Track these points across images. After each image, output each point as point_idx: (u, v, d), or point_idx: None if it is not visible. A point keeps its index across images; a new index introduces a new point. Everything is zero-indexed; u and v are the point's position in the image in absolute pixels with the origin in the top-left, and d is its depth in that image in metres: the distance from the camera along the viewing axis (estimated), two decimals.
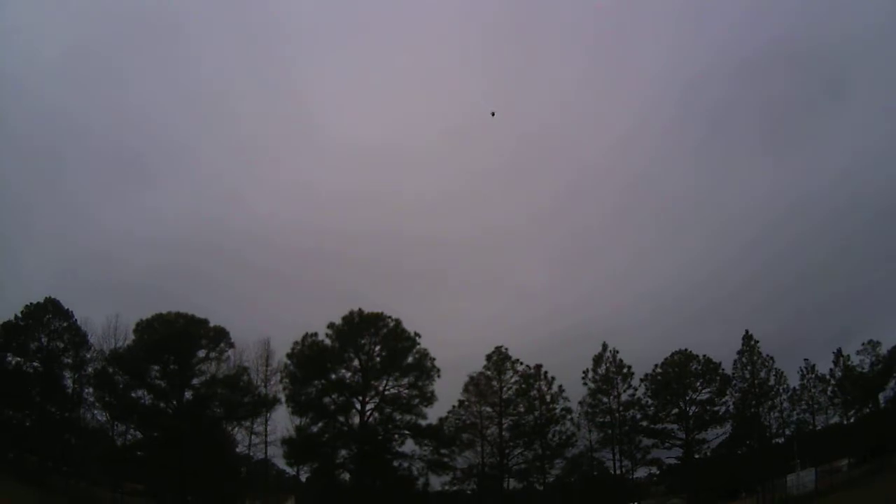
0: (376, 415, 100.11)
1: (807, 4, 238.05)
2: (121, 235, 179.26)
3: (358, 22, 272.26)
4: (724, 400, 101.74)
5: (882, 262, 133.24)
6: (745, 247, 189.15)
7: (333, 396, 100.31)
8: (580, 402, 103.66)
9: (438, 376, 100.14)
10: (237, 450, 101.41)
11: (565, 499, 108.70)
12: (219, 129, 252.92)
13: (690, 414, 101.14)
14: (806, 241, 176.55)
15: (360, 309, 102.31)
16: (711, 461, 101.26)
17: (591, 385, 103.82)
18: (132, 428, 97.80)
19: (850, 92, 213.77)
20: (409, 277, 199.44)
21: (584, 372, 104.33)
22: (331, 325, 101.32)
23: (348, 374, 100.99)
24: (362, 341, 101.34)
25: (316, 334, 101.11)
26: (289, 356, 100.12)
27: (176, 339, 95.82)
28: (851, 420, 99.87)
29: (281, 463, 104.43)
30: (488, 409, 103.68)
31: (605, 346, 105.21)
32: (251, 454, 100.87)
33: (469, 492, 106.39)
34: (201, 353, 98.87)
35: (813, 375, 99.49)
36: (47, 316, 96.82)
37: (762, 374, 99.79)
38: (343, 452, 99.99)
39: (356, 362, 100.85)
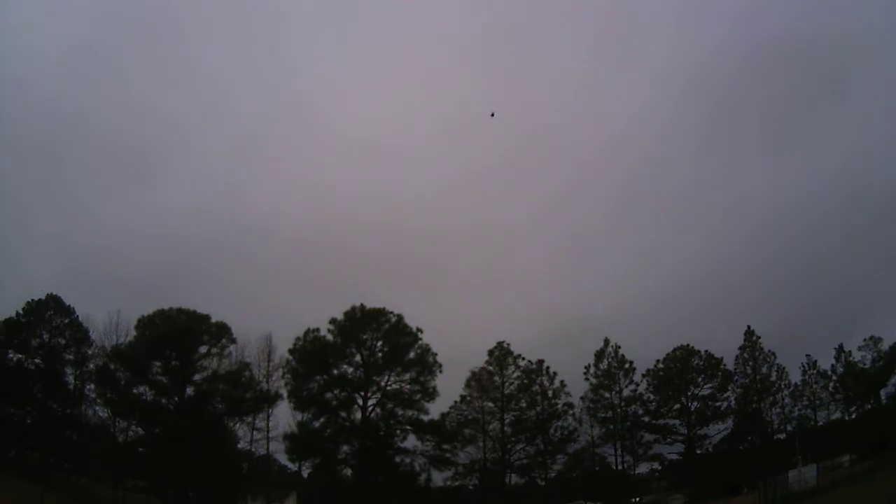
0: (378, 410, 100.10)
1: (807, 2, 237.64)
2: (122, 232, 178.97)
3: (358, 19, 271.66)
4: (725, 395, 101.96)
5: (883, 259, 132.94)
6: (747, 242, 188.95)
7: (335, 392, 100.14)
8: (582, 398, 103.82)
9: (440, 372, 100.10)
10: (239, 446, 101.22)
11: (567, 494, 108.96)
12: (219, 126, 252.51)
13: (692, 409, 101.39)
14: (807, 236, 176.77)
15: (361, 304, 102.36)
16: (713, 457, 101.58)
17: (593, 380, 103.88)
18: (134, 424, 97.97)
19: (850, 90, 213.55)
20: (410, 273, 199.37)
21: (585, 367, 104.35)
22: (332, 321, 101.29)
23: (350, 370, 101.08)
24: (364, 337, 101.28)
25: (318, 330, 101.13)
26: (290, 352, 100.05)
27: (177, 335, 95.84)
28: (853, 416, 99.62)
29: (283, 459, 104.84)
30: (490, 404, 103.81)
31: (606, 342, 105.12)
32: (253, 450, 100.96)
33: (471, 487, 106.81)
34: (203, 349, 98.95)
35: (814, 371, 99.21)
36: (49, 312, 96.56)
37: (764, 370, 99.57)
38: (345, 448, 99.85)
39: (358, 358, 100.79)
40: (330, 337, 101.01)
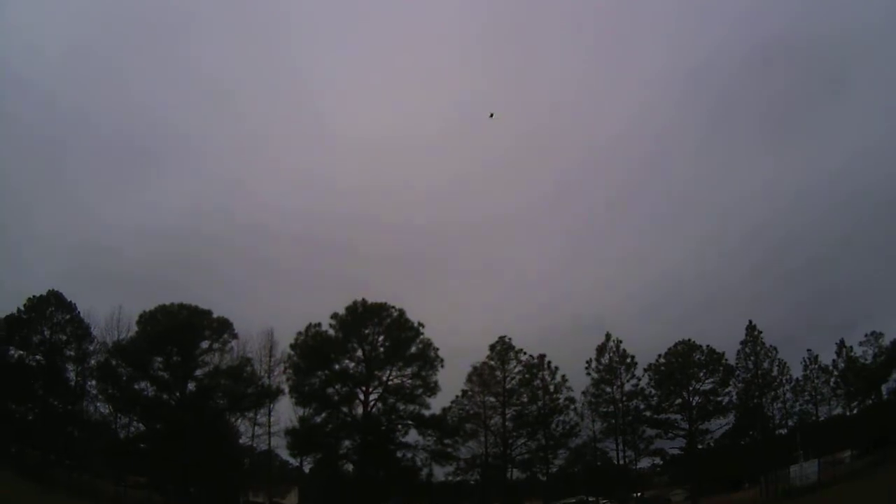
0: (380, 405, 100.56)
1: (807, 2, 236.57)
2: (123, 229, 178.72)
3: (360, 17, 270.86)
4: (727, 390, 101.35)
5: (884, 254, 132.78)
6: (748, 238, 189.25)
7: (337, 387, 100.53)
8: (583, 392, 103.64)
9: (442, 366, 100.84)
10: (240, 441, 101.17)
11: (568, 489, 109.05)
12: (221, 122, 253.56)
13: (693, 404, 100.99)
14: (809, 232, 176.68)
15: (363, 299, 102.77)
16: (714, 452, 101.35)
17: (595, 375, 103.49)
18: (135, 420, 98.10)
19: (850, 88, 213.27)
20: (412, 268, 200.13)
21: (587, 362, 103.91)
22: (334, 316, 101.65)
23: (352, 365, 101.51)
24: (366, 331, 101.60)
25: (319, 325, 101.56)
26: (292, 347, 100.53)
27: (179, 330, 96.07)
28: (854, 411, 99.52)
29: (284, 454, 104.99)
30: (492, 399, 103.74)
31: (608, 336, 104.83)
32: (254, 445, 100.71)
33: (472, 482, 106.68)
34: (204, 345, 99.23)
35: (816, 366, 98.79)
36: (50, 308, 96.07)
37: (765, 365, 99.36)
38: (346, 443, 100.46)
39: (359, 352, 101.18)
40: (331, 332, 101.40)
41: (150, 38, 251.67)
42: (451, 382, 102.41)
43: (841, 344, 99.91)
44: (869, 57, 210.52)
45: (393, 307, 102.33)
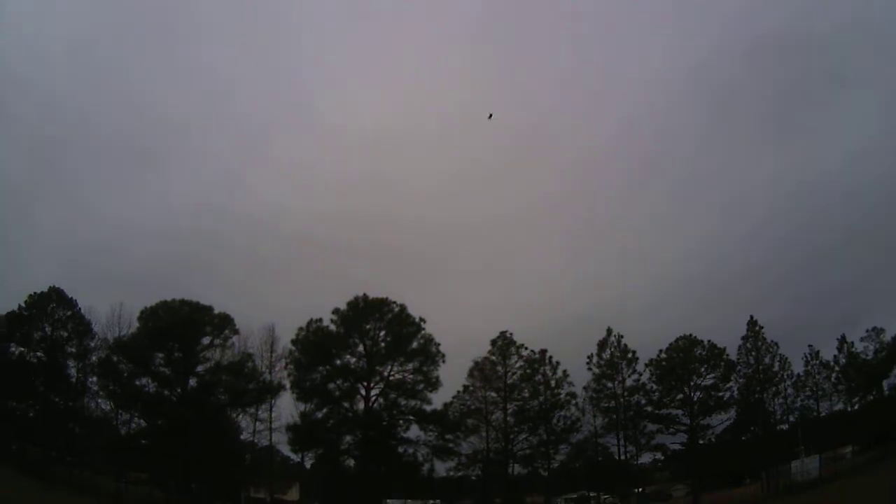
0: (381, 400, 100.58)
1: None
2: (124, 226, 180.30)
3: (360, 15, 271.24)
4: (728, 386, 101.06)
5: (885, 250, 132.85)
6: (749, 233, 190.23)
7: (338, 382, 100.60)
8: (585, 388, 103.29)
9: (443, 361, 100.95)
10: (241, 437, 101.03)
11: (570, 484, 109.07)
12: (221, 122, 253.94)
13: (695, 399, 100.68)
14: (810, 227, 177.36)
15: (364, 294, 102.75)
16: (716, 447, 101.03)
17: (596, 370, 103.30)
18: (136, 416, 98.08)
19: (853, 81, 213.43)
20: (413, 263, 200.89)
21: (588, 357, 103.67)
22: (335, 311, 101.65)
23: (353, 360, 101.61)
24: (367, 327, 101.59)
25: (321, 320, 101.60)
26: (293, 342, 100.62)
27: (180, 326, 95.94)
28: (855, 407, 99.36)
29: (286, 449, 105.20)
30: (493, 394, 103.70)
31: (609, 331, 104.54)
32: (256, 441, 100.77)
33: (474, 477, 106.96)
34: (206, 341, 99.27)
35: (817, 362, 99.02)
36: (51, 305, 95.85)
37: (767, 360, 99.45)
38: (348, 438, 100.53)
39: (361, 348, 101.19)
40: (333, 327, 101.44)
41: (150, 37, 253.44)
42: (452, 378, 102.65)
43: (842, 339, 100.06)
44: (868, 54, 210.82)
45: (394, 302, 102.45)
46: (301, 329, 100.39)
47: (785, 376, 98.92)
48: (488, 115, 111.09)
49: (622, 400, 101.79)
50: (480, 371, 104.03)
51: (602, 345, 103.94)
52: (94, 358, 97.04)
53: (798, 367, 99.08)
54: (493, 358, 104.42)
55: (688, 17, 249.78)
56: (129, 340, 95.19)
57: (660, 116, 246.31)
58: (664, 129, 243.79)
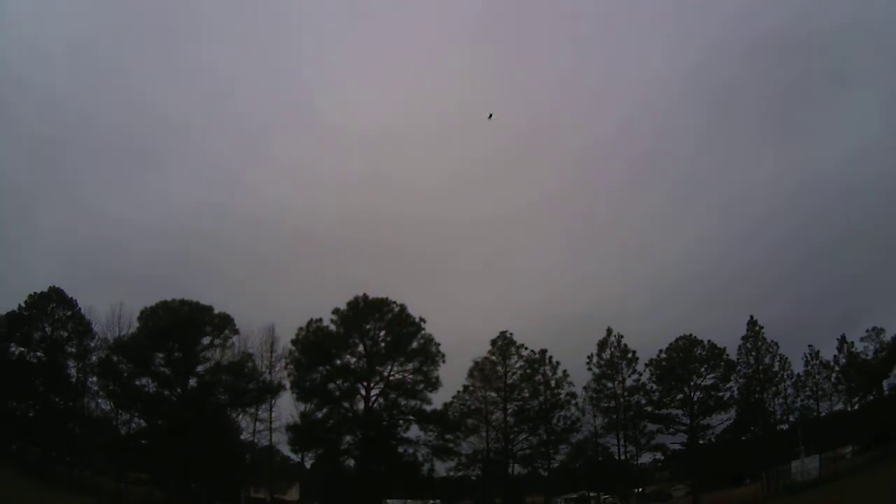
0: (381, 400, 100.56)
1: None
2: (124, 225, 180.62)
3: (360, 14, 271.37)
4: (728, 386, 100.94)
5: (885, 250, 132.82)
6: (749, 233, 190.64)
7: (338, 382, 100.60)
8: (585, 388, 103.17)
9: (443, 361, 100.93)
10: (241, 437, 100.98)
11: (570, 484, 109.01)
12: (221, 121, 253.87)
13: (695, 399, 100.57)
14: (810, 226, 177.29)
15: (364, 294, 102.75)
16: (716, 447, 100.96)
17: (596, 370, 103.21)
18: (136, 416, 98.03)
19: (852, 79, 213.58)
20: (413, 263, 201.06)
21: (588, 357, 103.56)
22: (335, 311, 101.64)
23: (353, 360, 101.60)
24: (367, 326, 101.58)
25: (320, 320, 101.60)
26: (293, 342, 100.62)
27: (180, 326, 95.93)
28: (855, 407, 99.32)
29: (286, 449, 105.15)
30: (493, 394, 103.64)
31: (609, 331, 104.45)
32: (256, 441, 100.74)
33: (474, 477, 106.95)
34: (206, 340, 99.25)
35: (817, 362, 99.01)
36: (51, 305, 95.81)
37: (767, 360, 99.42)
38: (348, 438, 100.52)
39: (361, 348, 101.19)
40: (333, 327, 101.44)
41: (150, 37, 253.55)
42: (452, 378, 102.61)
43: (842, 339, 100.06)
44: (868, 53, 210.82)
45: (394, 302, 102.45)
46: (301, 329, 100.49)
47: (785, 376, 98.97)
48: (488, 115, 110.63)
49: (622, 400, 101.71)
50: (480, 371, 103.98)
51: (602, 345, 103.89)
52: (94, 358, 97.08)
53: (798, 367, 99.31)
54: (493, 358, 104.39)
55: (688, 16, 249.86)
56: (129, 340, 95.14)
57: (660, 116, 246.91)
58: (664, 129, 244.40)
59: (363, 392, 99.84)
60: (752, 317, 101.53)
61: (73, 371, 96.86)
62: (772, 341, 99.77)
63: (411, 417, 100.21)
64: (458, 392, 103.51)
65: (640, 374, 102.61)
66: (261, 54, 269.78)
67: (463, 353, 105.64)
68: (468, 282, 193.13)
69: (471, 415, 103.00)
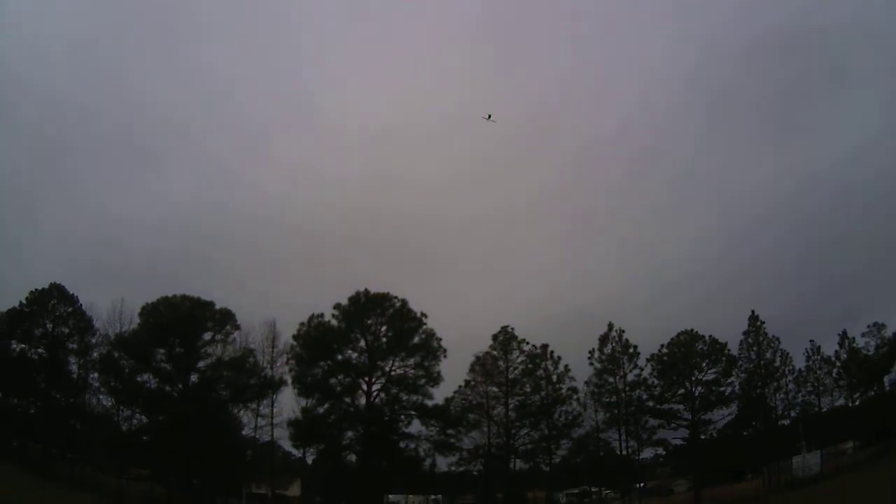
0: (382, 395, 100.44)
1: None
2: (125, 222, 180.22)
3: (360, 12, 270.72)
4: (729, 381, 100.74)
5: (886, 245, 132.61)
6: (751, 228, 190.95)
7: (339, 377, 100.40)
8: (586, 382, 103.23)
9: (445, 356, 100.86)
10: (243, 432, 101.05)
11: (571, 479, 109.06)
12: (221, 117, 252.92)
13: (696, 394, 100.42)
14: (812, 222, 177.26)
15: (366, 289, 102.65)
16: (717, 442, 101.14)
17: (598, 365, 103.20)
18: (137, 412, 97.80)
19: (852, 78, 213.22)
20: (414, 259, 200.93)
21: (590, 352, 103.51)
22: (337, 306, 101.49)
23: (354, 355, 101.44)
24: (368, 322, 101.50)
25: (322, 315, 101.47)
26: (295, 337, 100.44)
27: (182, 321, 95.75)
28: (856, 403, 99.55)
29: (287, 445, 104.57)
30: (494, 389, 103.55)
31: (610, 326, 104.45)
32: (257, 436, 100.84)
33: (475, 472, 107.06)
34: (207, 336, 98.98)
35: (818, 357, 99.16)
36: (52, 301, 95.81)
37: (768, 355, 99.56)
38: (349, 434, 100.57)
39: (362, 343, 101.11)
40: (334, 322, 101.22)
41: (150, 35, 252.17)
42: (453, 373, 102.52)
43: (843, 335, 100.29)
44: (869, 50, 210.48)
45: (395, 298, 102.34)
46: (302, 324, 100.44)
47: (786, 371, 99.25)
48: (487, 115, 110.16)
49: (623, 395, 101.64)
50: (482, 366, 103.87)
51: (603, 340, 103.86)
52: (95, 354, 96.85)
53: (799, 363, 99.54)
54: (495, 353, 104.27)
55: (688, 15, 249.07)
56: (130, 336, 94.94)
57: (659, 113, 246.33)
58: (664, 126, 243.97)
59: (365, 387, 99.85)
60: (753, 312, 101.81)
61: (74, 367, 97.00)
62: (773, 336, 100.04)
63: (413, 412, 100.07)
64: (460, 387, 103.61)
65: (642, 369, 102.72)
66: (261, 53, 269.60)
67: (464, 348, 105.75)
68: (469, 278, 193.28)
69: (472, 410, 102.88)
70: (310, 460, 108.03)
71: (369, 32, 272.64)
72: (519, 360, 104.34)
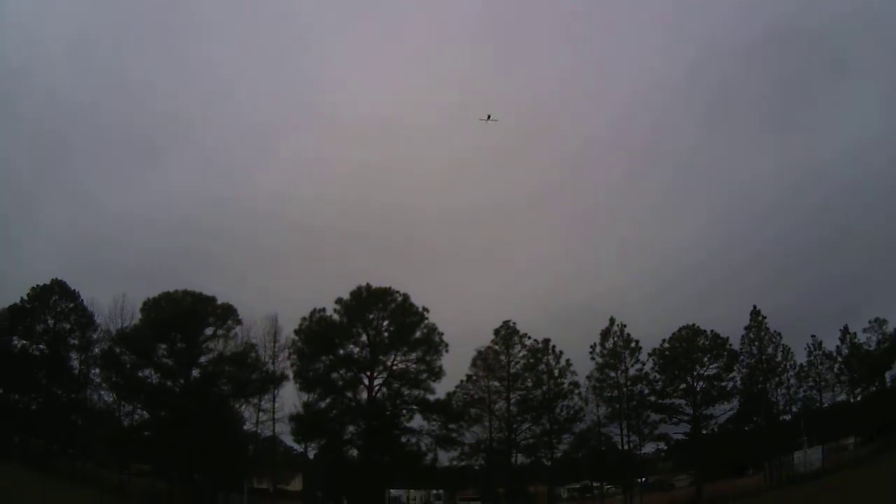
0: (384, 390, 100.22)
1: None
2: (127, 218, 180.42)
3: (361, 10, 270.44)
4: (731, 375, 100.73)
5: (888, 241, 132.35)
6: (753, 222, 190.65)
7: (341, 372, 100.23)
8: (588, 377, 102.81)
9: (446, 351, 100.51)
10: (244, 427, 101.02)
11: (573, 474, 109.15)
12: (223, 111, 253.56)
13: (698, 389, 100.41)
14: (814, 217, 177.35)
15: (367, 284, 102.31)
16: (718, 437, 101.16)
17: (599, 359, 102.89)
18: (139, 408, 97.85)
19: (854, 71, 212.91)
20: (416, 253, 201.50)
21: (591, 346, 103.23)
22: (339, 301, 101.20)
23: (356, 350, 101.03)
24: (370, 316, 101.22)
25: (324, 310, 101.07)
26: (296, 332, 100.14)
27: (183, 317, 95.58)
28: (858, 398, 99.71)
29: (289, 440, 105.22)
30: (496, 383, 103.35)
31: (612, 321, 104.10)
32: (259, 431, 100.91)
33: (477, 467, 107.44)
34: (209, 331, 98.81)
35: (820, 352, 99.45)
36: (54, 297, 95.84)
37: (769, 351, 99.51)
38: (351, 428, 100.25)
39: (364, 337, 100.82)
40: (336, 317, 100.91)
41: (151, 31, 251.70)
42: (455, 367, 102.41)
43: (845, 330, 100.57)
44: (868, 45, 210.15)
45: (397, 292, 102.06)
46: (304, 319, 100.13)
47: (788, 367, 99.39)
48: (487, 116, 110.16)
49: (625, 389, 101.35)
50: (483, 360, 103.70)
51: (605, 334, 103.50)
52: (96, 350, 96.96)
53: (801, 358, 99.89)
54: (497, 347, 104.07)
55: (688, 10, 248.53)
56: (131, 332, 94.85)
57: (660, 108, 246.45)
58: (664, 122, 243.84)
59: (366, 382, 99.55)
60: (755, 307, 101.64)
61: (75, 363, 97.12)
62: (775, 332, 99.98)
63: (414, 407, 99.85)
64: (462, 381, 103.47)
65: (643, 364, 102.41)
66: (262, 48, 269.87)
67: (466, 342, 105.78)
68: (470, 272, 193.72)
69: (474, 404, 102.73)
70: (311, 455, 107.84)
71: (370, 29, 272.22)
72: (520, 354, 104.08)
